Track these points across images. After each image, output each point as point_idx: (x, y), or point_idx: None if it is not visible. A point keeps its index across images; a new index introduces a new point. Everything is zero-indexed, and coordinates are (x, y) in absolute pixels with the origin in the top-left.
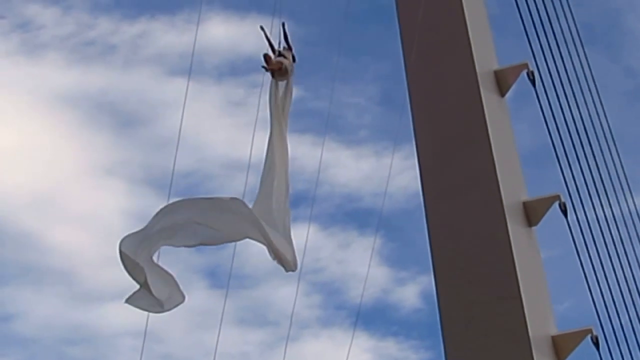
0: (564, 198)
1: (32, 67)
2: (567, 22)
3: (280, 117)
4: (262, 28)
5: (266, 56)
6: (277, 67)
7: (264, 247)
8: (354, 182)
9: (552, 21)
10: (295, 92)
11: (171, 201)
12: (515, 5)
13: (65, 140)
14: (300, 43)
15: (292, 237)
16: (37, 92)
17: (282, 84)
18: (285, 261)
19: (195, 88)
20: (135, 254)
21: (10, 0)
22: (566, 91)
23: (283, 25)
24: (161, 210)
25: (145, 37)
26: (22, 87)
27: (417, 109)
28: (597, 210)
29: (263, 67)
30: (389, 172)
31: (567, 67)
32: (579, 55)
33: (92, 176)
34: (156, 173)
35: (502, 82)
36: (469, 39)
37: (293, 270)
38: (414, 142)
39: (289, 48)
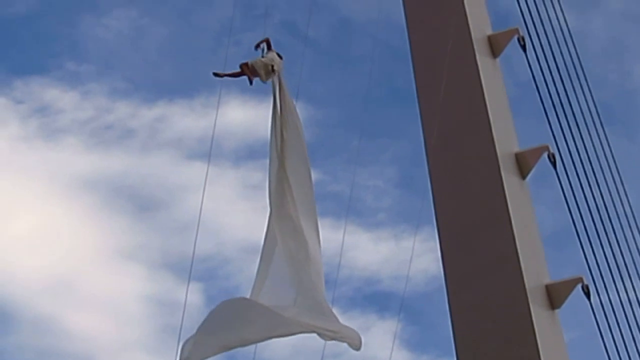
0: (587, 280)
1: (50, 152)
2: (587, 103)
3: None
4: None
5: (241, 66)
6: (244, 72)
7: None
8: (373, 265)
9: (572, 102)
10: (314, 175)
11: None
12: (534, 88)
13: (83, 224)
14: (319, 126)
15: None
16: (55, 176)
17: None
18: (352, 341)
19: (213, 171)
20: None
21: (29, 85)
22: (587, 172)
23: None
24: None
25: (164, 121)
26: (40, 171)
27: (438, 191)
28: (620, 292)
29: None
30: (411, 254)
31: (587, 148)
32: (599, 136)
33: (111, 260)
34: (175, 257)
35: (523, 164)
36: (489, 121)
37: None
38: (434, 225)
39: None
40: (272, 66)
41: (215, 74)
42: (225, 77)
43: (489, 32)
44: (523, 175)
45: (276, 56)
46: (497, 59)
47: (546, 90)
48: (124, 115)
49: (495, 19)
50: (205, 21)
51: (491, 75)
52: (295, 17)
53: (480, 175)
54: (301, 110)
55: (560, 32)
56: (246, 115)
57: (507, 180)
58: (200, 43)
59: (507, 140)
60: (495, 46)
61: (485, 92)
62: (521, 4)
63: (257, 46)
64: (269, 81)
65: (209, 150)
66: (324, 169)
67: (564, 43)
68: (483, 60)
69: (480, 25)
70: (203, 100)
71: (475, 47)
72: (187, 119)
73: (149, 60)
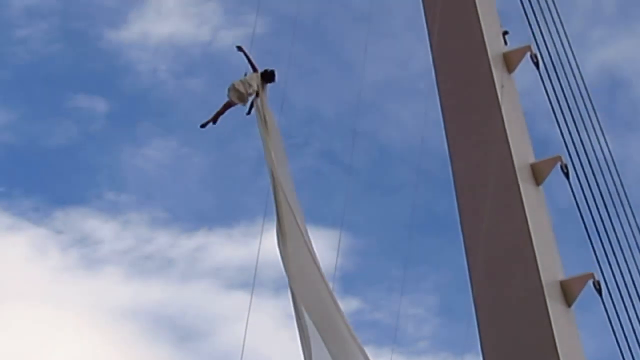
0: None
1: (91, 281)
2: (631, 229)
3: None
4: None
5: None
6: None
7: None
8: None
9: (615, 228)
10: (353, 304)
11: None
12: (577, 213)
13: (124, 354)
14: (359, 255)
15: None
16: (96, 306)
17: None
18: None
19: (253, 301)
20: None
21: (69, 215)
22: (633, 299)
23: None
24: None
25: (203, 251)
26: (81, 301)
27: (484, 320)
28: None
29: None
30: None
31: (633, 275)
32: None
33: None
34: None
35: (568, 292)
36: (533, 249)
37: None
38: (478, 352)
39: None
40: (246, 85)
41: (203, 125)
42: (216, 119)
43: (532, 159)
44: (569, 303)
45: (256, 78)
46: (541, 187)
47: (590, 216)
48: (163, 244)
49: (535, 143)
50: (244, 150)
51: (534, 203)
52: (334, 146)
53: (526, 304)
54: (342, 239)
55: (602, 156)
56: None
57: (552, 309)
58: (240, 172)
59: (551, 268)
60: (538, 174)
61: (529, 220)
62: (563, 131)
63: (239, 48)
64: (251, 106)
65: (253, 280)
66: (363, 297)
67: (606, 168)
68: (526, 188)
69: (522, 153)
70: (243, 229)
71: (518, 175)
72: (226, 248)
73: (189, 190)
